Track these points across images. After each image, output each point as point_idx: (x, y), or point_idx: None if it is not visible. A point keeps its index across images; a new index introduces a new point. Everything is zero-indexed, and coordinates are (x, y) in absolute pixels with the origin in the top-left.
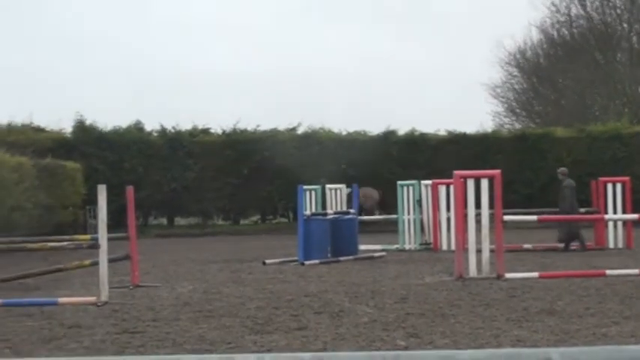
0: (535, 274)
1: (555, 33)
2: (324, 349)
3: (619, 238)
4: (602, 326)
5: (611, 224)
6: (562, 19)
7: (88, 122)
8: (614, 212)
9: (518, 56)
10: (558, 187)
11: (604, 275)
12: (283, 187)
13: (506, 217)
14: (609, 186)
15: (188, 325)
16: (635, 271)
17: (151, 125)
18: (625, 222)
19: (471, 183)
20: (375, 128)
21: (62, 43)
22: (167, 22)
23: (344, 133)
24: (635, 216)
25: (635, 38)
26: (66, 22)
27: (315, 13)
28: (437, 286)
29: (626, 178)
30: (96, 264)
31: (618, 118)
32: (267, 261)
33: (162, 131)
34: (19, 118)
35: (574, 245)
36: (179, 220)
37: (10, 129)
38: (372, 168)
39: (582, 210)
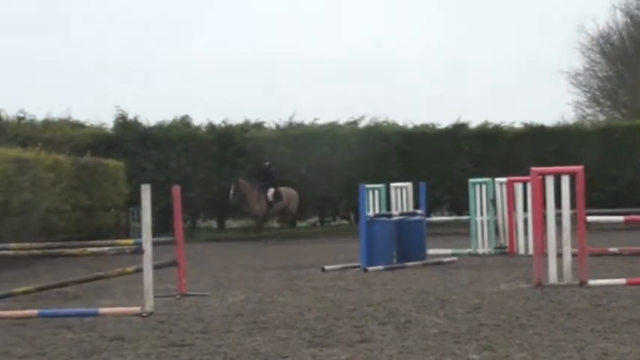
0: (622, 281)
1: None
2: None
3: None
4: None
5: None
6: None
7: (130, 117)
8: None
9: (601, 41)
10: None
11: None
12: (344, 186)
13: (590, 218)
14: None
15: (240, 338)
16: None
17: (198, 119)
18: None
19: (550, 180)
20: (443, 121)
21: (102, 30)
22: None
23: (410, 126)
24: None
25: None
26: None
27: None
28: (513, 294)
29: None
30: (140, 271)
31: None
32: (327, 267)
33: (211, 126)
34: (56, 113)
35: None
36: (230, 223)
37: (47, 124)
38: (440, 164)
39: None
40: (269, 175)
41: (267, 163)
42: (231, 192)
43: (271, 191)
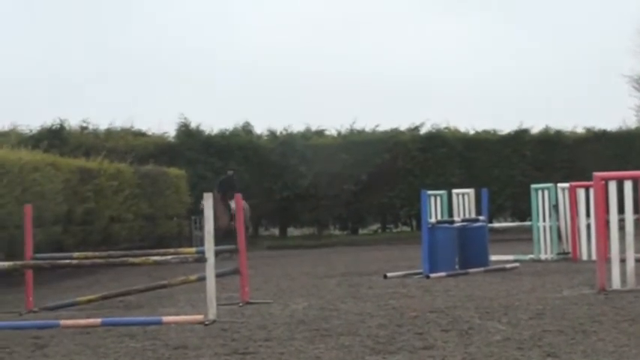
0: None
1: None
2: None
3: None
4: None
5: None
6: None
7: (192, 125)
8: None
9: None
10: None
11: None
12: (405, 193)
13: None
14: None
15: (303, 345)
16: None
17: (260, 127)
18: None
19: (612, 185)
20: (505, 127)
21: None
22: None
23: (471, 132)
24: None
25: None
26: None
27: (435, 4)
28: (576, 300)
29: None
30: (203, 279)
31: None
32: (389, 274)
33: (272, 134)
34: (119, 122)
35: None
36: (292, 231)
37: (109, 134)
38: (502, 170)
39: None
40: (232, 185)
41: (231, 172)
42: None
43: (233, 202)
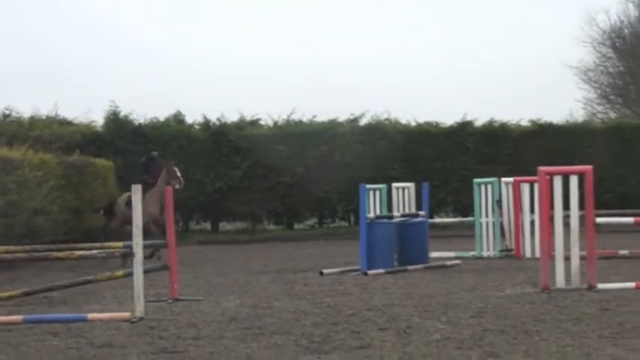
0: (632, 285)
1: None
2: None
3: None
4: None
5: None
6: None
7: (122, 114)
8: None
9: (612, 35)
10: None
11: None
12: (343, 187)
13: (599, 220)
14: None
15: (234, 344)
16: None
17: (192, 117)
18: None
19: (558, 181)
20: (448, 119)
21: (87, 24)
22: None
23: (413, 124)
24: None
25: None
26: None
27: None
28: (519, 299)
29: None
30: (130, 275)
31: None
32: (325, 271)
33: (205, 124)
34: (44, 110)
35: None
36: (224, 225)
37: (33, 122)
38: (444, 164)
39: None
40: (158, 169)
41: (155, 153)
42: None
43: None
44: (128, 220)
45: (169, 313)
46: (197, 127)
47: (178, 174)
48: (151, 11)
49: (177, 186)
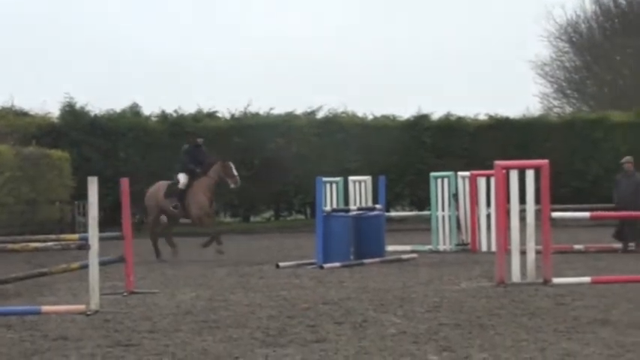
0: (587, 279)
1: (612, 3)
2: None
3: None
4: None
5: None
6: None
7: (78, 105)
8: None
9: (569, 30)
10: (613, 180)
11: None
12: (300, 180)
13: (555, 214)
14: None
15: (190, 337)
16: None
17: (149, 109)
18: None
19: (514, 175)
20: (405, 112)
21: (44, 13)
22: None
23: (370, 117)
24: None
25: None
26: None
27: None
28: (475, 293)
29: None
30: (85, 267)
31: None
32: (281, 264)
33: (163, 116)
34: None
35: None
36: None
37: None
38: (401, 157)
39: None
40: (201, 160)
41: (201, 140)
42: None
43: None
44: (164, 211)
45: (125, 306)
46: (154, 119)
47: (234, 172)
48: (108, 2)
49: (232, 185)
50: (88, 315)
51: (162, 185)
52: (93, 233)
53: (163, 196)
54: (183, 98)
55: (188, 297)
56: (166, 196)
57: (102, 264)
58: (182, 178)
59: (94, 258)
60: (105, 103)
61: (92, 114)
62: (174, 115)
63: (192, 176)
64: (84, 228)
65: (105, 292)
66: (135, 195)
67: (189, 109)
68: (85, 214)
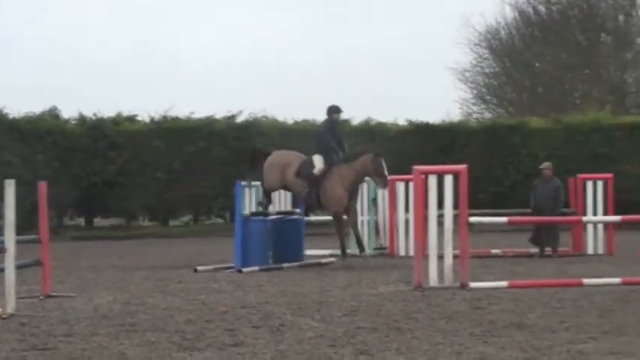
0: (504, 284)
1: (531, 11)
2: None
3: (599, 242)
4: (578, 342)
5: (590, 227)
6: None
7: None
8: (594, 214)
9: (489, 36)
10: (531, 185)
11: (581, 285)
12: (220, 184)
13: (473, 219)
14: (589, 184)
15: (107, 341)
16: (616, 280)
17: (68, 112)
18: (606, 225)
19: (433, 180)
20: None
21: None
22: None
23: (290, 122)
24: (617, 218)
25: (621, 18)
26: None
27: None
28: (392, 297)
29: (609, 175)
30: (2, 271)
31: (601, 107)
32: (199, 268)
33: (82, 119)
34: None
35: (548, 250)
36: (99, 221)
37: None
38: None
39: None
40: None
41: (337, 116)
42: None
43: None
44: (289, 187)
45: (41, 310)
46: (73, 122)
47: (385, 171)
48: (27, 3)
49: (380, 187)
50: (3, 319)
51: (292, 158)
52: (9, 237)
53: (295, 174)
54: (103, 102)
55: (105, 300)
56: (298, 175)
57: (18, 267)
58: (318, 161)
59: (10, 261)
60: (23, 105)
61: (10, 116)
62: (94, 118)
63: (330, 161)
64: (0, 231)
65: (21, 296)
66: (53, 198)
67: (108, 112)
68: (1, 217)
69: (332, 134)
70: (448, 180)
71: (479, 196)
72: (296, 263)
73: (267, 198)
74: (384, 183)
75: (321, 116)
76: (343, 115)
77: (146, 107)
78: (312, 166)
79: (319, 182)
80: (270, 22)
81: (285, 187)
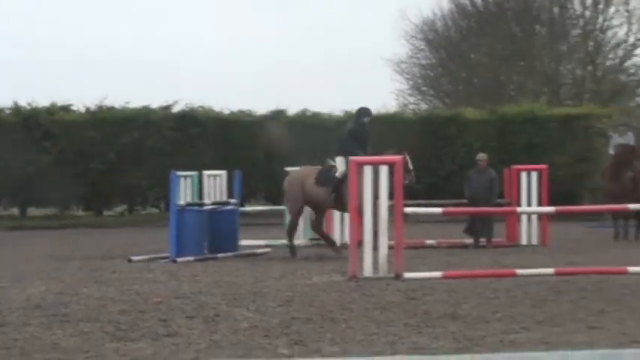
0: (438, 274)
1: (468, 2)
2: (197, 359)
3: (533, 233)
4: (511, 332)
5: (524, 218)
6: None
7: None
8: (529, 204)
9: (425, 28)
10: (465, 175)
11: (514, 275)
12: (155, 174)
13: (408, 210)
14: (523, 175)
15: (39, 331)
16: (550, 270)
17: (2, 101)
18: (540, 215)
19: (368, 170)
20: (262, 108)
21: None
22: None
23: (226, 112)
24: (551, 209)
25: (556, 10)
26: None
27: None
28: (327, 287)
29: (543, 166)
30: None
31: (535, 99)
32: (134, 258)
33: (16, 108)
34: None
35: (483, 241)
36: (33, 211)
37: None
38: (257, 152)
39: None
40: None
41: (367, 119)
42: None
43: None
44: (312, 201)
45: None
46: (7, 111)
47: (411, 166)
48: None
49: (406, 182)
50: None
51: (309, 171)
52: None
53: (315, 183)
54: (37, 91)
55: (39, 291)
56: (319, 183)
57: None
58: (341, 164)
59: None
60: None
61: None
62: (28, 107)
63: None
64: None
65: None
66: None
67: (43, 102)
68: None
69: (357, 138)
70: (383, 170)
71: (414, 186)
72: (231, 253)
73: (292, 227)
74: (409, 178)
75: (255, 106)
76: (279, 106)
77: (81, 97)
78: (335, 170)
79: (341, 185)
80: (199, 10)
81: (307, 202)
